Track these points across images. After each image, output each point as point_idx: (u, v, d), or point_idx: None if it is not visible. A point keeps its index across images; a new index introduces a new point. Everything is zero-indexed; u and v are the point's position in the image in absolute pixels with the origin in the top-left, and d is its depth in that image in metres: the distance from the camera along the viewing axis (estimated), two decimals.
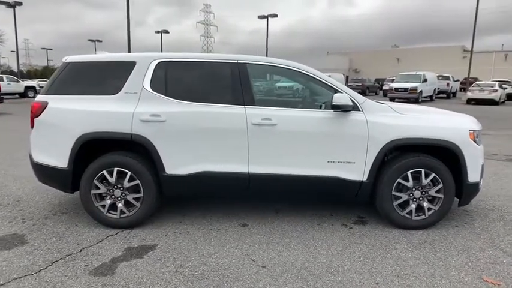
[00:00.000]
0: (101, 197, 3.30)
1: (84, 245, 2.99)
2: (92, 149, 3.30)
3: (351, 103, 3.13)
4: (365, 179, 3.20)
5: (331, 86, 3.27)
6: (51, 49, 66.74)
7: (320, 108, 3.42)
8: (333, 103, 3.08)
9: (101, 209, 3.28)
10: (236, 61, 3.29)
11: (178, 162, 3.20)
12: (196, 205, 3.87)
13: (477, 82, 22.05)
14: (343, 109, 3.11)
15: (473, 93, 19.92)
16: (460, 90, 30.28)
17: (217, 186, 3.30)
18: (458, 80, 29.86)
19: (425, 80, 21.65)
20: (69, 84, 3.34)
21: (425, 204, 3.25)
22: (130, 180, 3.21)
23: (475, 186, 3.29)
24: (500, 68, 39.14)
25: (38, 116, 3.28)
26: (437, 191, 3.23)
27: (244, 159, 3.20)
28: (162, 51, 47.81)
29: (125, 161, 3.19)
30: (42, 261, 2.74)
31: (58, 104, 3.25)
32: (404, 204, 3.27)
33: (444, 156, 3.25)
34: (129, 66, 3.30)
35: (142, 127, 3.15)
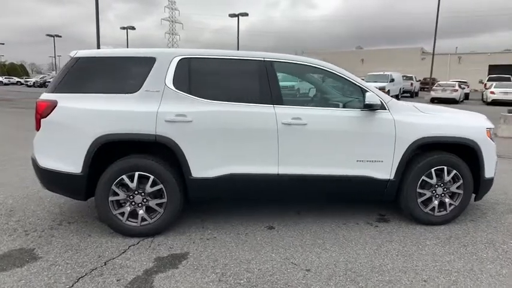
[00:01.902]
0: (119, 204, 3.05)
1: (106, 257, 2.74)
2: (108, 152, 3.05)
3: (380, 102, 3.15)
4: (392, 177, 3.24)
5: (358, 85, 3.26)
6: (3, 44, 61.93)
7: (340, 107, 3.40)
8: (366, 102, 3.08)
9: (120, 216, 3.03)
10: (263, 59, 3.18)
11: (205, 165, 3.04)
12: (214, 209, 3.71)
13: (439, 82, 23.45)
14: (374, 108, 3.12)
15: (436, 92, 21.17)
16: (420, 90, 32.02)
17: (246, 188, 3.17)
18: (419, 80, 31.57)
19: (392, 80, 22.61)
20: (81, 81, 3.06)
21: (447, 200, 3.35)
22: (153, 185, 3.00)
23: (491, 182, 3.45)
24: (455, 69, 41.96)
25: (45, 117, 2.96)
26: (457, 187, 3.34)
27: (273, 160, 3.11)
28: (127, 47, 46.02)
29: (148, 165, 2.97)
30: (66, 278, 2.47)
31: (70, 103, 2.96)
32: (426, 201, 3.35)
33: (463, 153, 3.37)
34: (148, 62, 3.07)
35: (167, 128, 2.95)
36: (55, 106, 2.95)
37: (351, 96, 3.37)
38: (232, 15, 34.42)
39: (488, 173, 3.38)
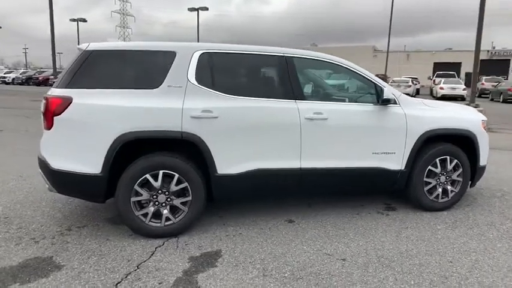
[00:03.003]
0: (141, 204, 2.92)
1: (136, 261, 2.62)
2: (126, 151, 2.89)
3: (393, 97, 3.32)
4: (403, 168, 3.44)
5: (373, 81, 3.41)
6: None
7: (355, 101, 3.53)
8: (384, 97, 3.23)
9: (142, 218, 2.90)
10: (283, 54, 3.20)
11: (230, 161, 3.00)
12: (228, 205, 3.68)
13: (394, 79, 24.94)
14: (390, 103, 3.28)
15: None
16: None
17: (270, 184, 3.19)
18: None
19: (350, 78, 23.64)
20: (96, 76, 2.86)
21: (449, 187, 3.63)
22: (177, 184, 2.91)
23: (484, 169, 3.79)
24: (404, 66, 44.82)
25: (59, 114, 2.74)
26: (458, 175, 3.63)
27: (296, 154, 3.15)
28: (78, 41, 43.11)
29: (172, 162, 2.87)
30: (102, 285, 2.33)
31: (87, 100, 2.76)
32: (431, 189, 3.61)
33: (461, 143, 3.66)
34: (168, 56, 2.96)
35: (193, 124, 2.87)
36: (70, 103, 2.73)
37: (364, 91, 3.50)
38: (191, 9, 33.69)
39: (483, 161, 3.72)
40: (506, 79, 27.17)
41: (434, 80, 25.50)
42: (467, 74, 40.11)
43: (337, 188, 3.56)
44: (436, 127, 3.44)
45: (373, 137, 3.32)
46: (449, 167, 3.58)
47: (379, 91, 3.34)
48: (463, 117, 3.64)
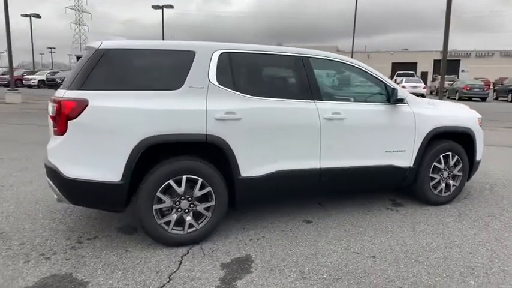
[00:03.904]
0: (162, 212, 2.78)
1: (166, 272, 2.49)
2: (146, 156, 2.73)
3: (405, 96, 3.43)
4: (412, 165, 3.57)
5: (383, 82, 3.50)
6: None
7: (367, 101, 3.59)
8: (399, 97, 3.33)
9: (165, 226, 2.76)
10: (300, 54, 3.19)
11: (253, 163, 2.94)
12: (241, 209, 3.60)
13: None
14: (403, 102, 3.39)
15: None
16: None
17: (291, 184, 3.17)
18: None
19: None
20: (111, 76, 2.67)
21: (451, 182, 3.82)
22: (201, 189, 2.80)
23: (479, 164, 4.04)
24: None
25: (73, 118, 2.53)
26: (458, 170, 3.83)
27: (316, 154, 3.16)
28: (32, 37, 40.11)
29: (196, 167, 2.76)
30: None
31: (104, 102, 2.57)
32: (435, 184, 3.78)
33: (461, 140, 3.87)
34: (187, 56, 2.83)
35: (218, 126, 2.77)
36: (86, 105, 2.53)
37: (375, 91, 3.58)
38: (155, 7, 32.69)
39: (479, 156, 3.96)
40: (458, 78, 29.22)
41: (395, 80, 26.82)
42: (423, 74, 42.73)
43: (352, 187, 3.62)
44: (440, 125, 3.61)
45: (385, 136, 3.41)
46: (451, 162, 3.77)
47: (390, 91, 3.43)
48: (463, 115, 3.85)
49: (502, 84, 23.14)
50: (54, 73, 32.08)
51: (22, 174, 4.71)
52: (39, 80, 30.23)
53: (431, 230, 3.24)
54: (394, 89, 3.40)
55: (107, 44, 2.71)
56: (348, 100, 3.40)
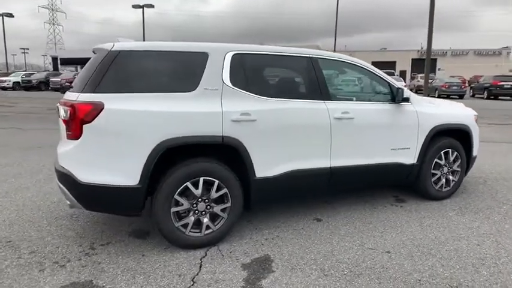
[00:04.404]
0: (179, 214, 2.76)
1: (188, 275, 2.48)
2: (165, 159, 2.71)
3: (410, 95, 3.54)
4: (415, 162, 3.68)
5: (386, 81, 3.59)
6: None
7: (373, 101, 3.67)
8: (405, 96, 3.43)
9: (182, 228, 2.74)
10: (309, 55, 3.23)
11: (268, 164, 2.96)
12: (252, 210, 3.62)
13: None
14: (408, 101, 3.49)
15: None
16: None
17: (303, 184, 3.20)
18: None
19: None
20: (125, 79, 2.63)
21: (451, 177, 3.97)
22: (217, 190, 2.80)
23: (475, 159, 4.21)
24: None
25: (89, 122, 2.47)
26: (457, 166, 3.99)
27: (326, 153, 3.21)
28: (5, 37, 38.48)
29: (213, 168, 2.75)
30: None
31: (120, 105, 2.52)
32: (436, 180, 3.91)
33: (459, 136, 4.02)
34: (200, 58, 2.82)
35: (234, 128, 2.78)
36: (102, 109, 2.48)
37: (380, 90, 3.67)
38: (136, 6, 32.19)
39: (475, 151, 4.13)
40: (435, 76, 30.18)
41: None
42: (402, 72, 43.86)
43: (359, 185, 3.69)
44: (441, 122, 3.74)
45: (391, 134, 3.51)
46: (451, 158, 3.91)
47: (394, 91, 3.53)
48: (461, 112, 4.01)
49: (478, 82, 24.07)
50: (30, 74, 30.95)
51: (17, 181, 4.55)
52: (14, 82, 29.11)
53: (436, 224, 3.35)
54: (398, 89, 3.50)
55: (120, 45, 2.67)
56: (355, 100, 3.48)
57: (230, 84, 2.86)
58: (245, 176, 2.91)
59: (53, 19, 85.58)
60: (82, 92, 2.54)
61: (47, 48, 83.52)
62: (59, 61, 50.67)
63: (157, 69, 2.75)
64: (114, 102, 2.52)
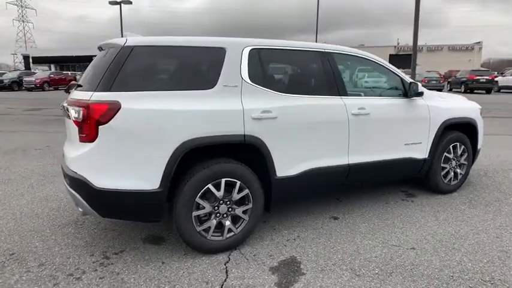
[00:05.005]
0: (199, 218, 2.62)
1: (217, 282, 2.35)
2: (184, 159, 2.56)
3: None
4: (427, 156, 3.69)
5: (399, 76, 3.56)
6: None
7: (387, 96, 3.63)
8: (419, 90, 3.41)
9: (204, 233, 2.61)
10: (326, 50, 3.15)
11: (288, 162, 2.87)
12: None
13: None
14: (422, 95, 3.48)
15: None
16: None
17: (322, 182, 3.13)
18: None
19: None
20: (141, 76, 2.46)
21: (458, 170, 4.01)
22: (239, 191, 2.68)
23: (479, 151, 4.27)
24: None
25: (105, 123, 2.29)
26: (464, 159, 4.03)
27: (345, 150, 3.15)
28: None
29: (234, 169, 2.63)
30: None
31: (138, 104, 2.35)
32: (445, 174, 3.94)
33: (465, 130, 4.06)
34: (218, 53, 2.68)
35: (255, 126, 2.66)
36: (118, 108, 2.30)
37: (393, 85, 3.63)
38: (112, 3, 31.12)
39: (480, 144, 4.19)
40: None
41: (357, 75, 27.83)
42: None
43: (374, 181, 3.66)
44: (452, 116, 3.76)
45: (405, 129, 3.49)
46: (459, 152, 3.95)
47: (406, 85, 3.51)
48: (468, 106, 4.04)
49: (455, 76, 24.82)
50: (2, 74, 29.51)
51: (8, 187, 4.25)
52: None
53: (452, 217, 3.37)
54: (411, 83, 3.48)
55: (134, 40, 2.49)
56: (369, 95, 3.43)
57: (249, 81, 2.74)
58: (266, 175, 2.80)
59: (23, 16, 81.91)
60: (95, 90, 2.35)
61: (17, 46, 79.90)
62: (30, 60, 48.60)
63: (173, 65, 2.59)
64: (131, 102, 2.35)
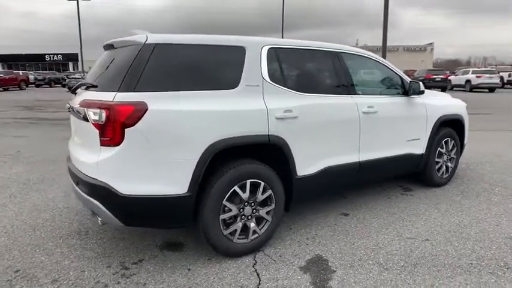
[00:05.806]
0: (225, 222, 2.56)
1: (251, 286, 2.30)
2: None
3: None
4: (424, 152, 3.87)
5: (399, 75, 3.71)
6: None
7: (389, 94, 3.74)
8: (421, 89, 3.56)
9: (230, 236, 2.55)
10: (339, 50, 3.21)
11: (307, 161, 2.88)
12: None
13: None
14: (423, 93, 3.65)
15: None
16: None
17: (336, 180, 3.17)
18: None
19: None
20: (165, 75, 2.34)
21: (449, 164, 4.26)
22: (263, 192, 2.65)
23: (465, 146, 4.56)
24: None
25: (132, 126, 2.15)
26: (454, 153, 4.28)
27: (356, 147, 3.22)
28: None
29: (258, 170, 2.59)
30: None
31: (165, 105, 2.24)
32: (438, 168, 4.16)
33: (454, 126, 4.31)
34: (238, 52, 2.63)
35: (278, 126, 2.64)
36: (146, 110, 2.18)
37: (395, 84, 3.76)
38: None
39: (466, 139, 4.47)
40: None
41: None
42: None
43: (381, 177, 3.78)
44: (446, 113, 3.99)
45: (407, 126, 3.64)
46: (450, 147, 4.19)
47: (406, 84, 3.67)
48: (456, 103, 4.30)
49: (414, 76, 26.31)
50: None
51: None
52: None
53: (452, 208, 3.57)
54: (411, 82, 3.64)
55: (154, 38, 2.37)
56: (375, 94, 3.54)
57: (269, 80, 2.71)
58: (287, 175, 2.79)
59: None
60: (118, 91, 2.20)
61: None
62: None
63: (196, 64, 2.49)
64: (157, 102, 2.23)
